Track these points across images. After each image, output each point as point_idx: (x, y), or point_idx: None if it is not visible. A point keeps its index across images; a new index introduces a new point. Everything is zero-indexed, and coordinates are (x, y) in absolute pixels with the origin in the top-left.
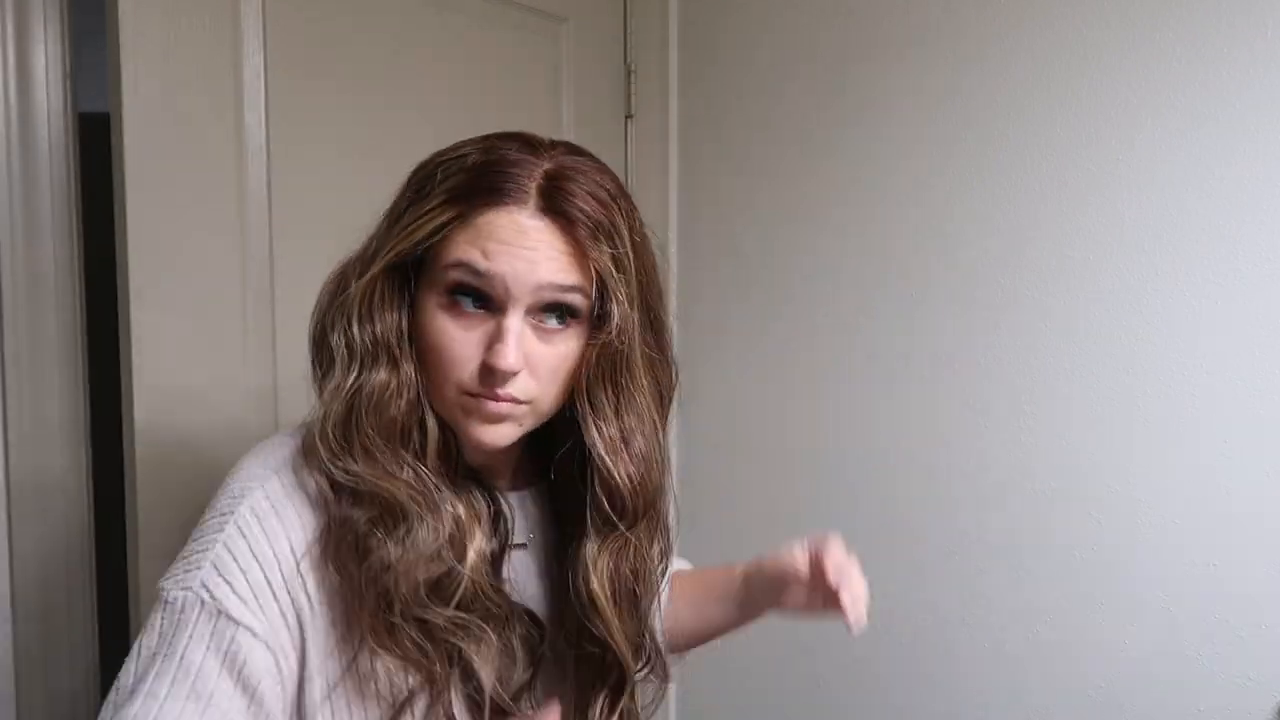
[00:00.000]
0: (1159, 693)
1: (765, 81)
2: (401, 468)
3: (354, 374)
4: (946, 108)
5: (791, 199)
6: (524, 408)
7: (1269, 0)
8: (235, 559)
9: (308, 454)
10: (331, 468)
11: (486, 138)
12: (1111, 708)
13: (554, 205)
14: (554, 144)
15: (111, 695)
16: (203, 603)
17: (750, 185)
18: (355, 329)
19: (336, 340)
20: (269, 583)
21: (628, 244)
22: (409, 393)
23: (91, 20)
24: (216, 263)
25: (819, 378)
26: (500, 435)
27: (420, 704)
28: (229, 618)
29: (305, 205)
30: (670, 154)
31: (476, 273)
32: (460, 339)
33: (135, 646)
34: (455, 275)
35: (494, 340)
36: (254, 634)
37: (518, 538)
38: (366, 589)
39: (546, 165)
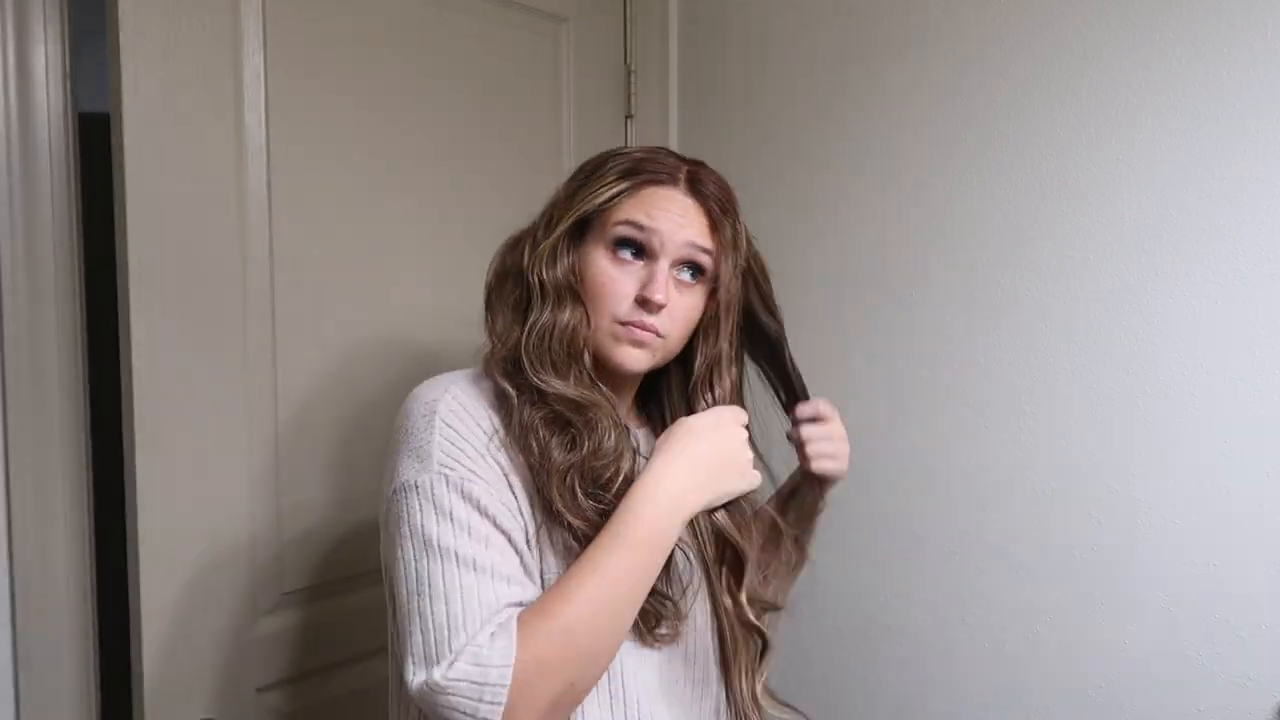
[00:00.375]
0: (1159, 693)
1: (765, 82)
2: (585, 384)
3: (547, 309)
4: (946, 108)
5: (791, 199)
6: (659, 340)
7: (1269, 0)
8: (453, 444)
9: (485, 371)
10: (536, 380)
11: (641, 147)
12: (1111, 708)
13: (697, 189)
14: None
15: (404, 572)
16: (447, 479)
17: (750, 185)
18: (546, 272)
19: (532, 281)
20: (482, 456)
21: (741, 231)
22: (585, 327)
23: (91, 20)
24: (216, 263)
25: (819, 378)
26: (639, 359)
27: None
28: (470, 482)
29: (305, 205)
30: None
31: (640, 228)
32: (621, 279)
33: (402, 534)
34: (623, 231)
35: (648, 281)
36: (490, 491)
37: (643, 450)
38: (551, 473)
39: (689, 165)
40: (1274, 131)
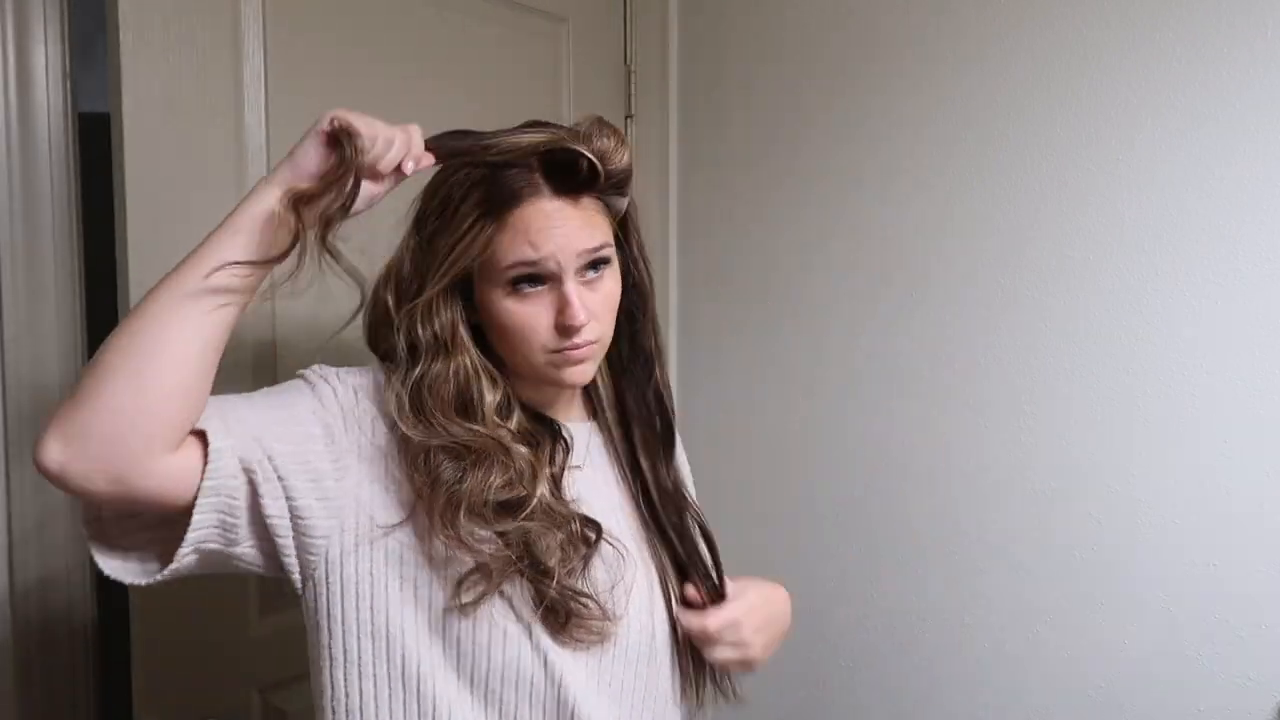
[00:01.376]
0: (1159, 693)
1: (765, 82)
2: (467, 427)
3: (418, 366)
4: (946, 108)
5: (792, 199)
6: (595, 346)
7: (1269, 0)
8: (341, 379)
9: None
10: (413, 432)
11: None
12: (1111, 708)
13: (562, 184)
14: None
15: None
16: (309, 381)
17: (750, 185)
18: (422, 330)
19: (405, 341)
20: (353, 416)
21: (620, 183)
22: (461, 374)
23: (91, 20)
24: None
25: (819, 378)
26: (585, 373)
27: (477, 585)
28: (325, 392)
29: None
30: (670, 154)
31: (532, 263)
32: (533, 313)
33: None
34: (516, 273)
35: (561, 305)
36: (334, 421)
37: (576, 460)
38: (437, 498)
39: (540, 155)
40: (1274, 131)
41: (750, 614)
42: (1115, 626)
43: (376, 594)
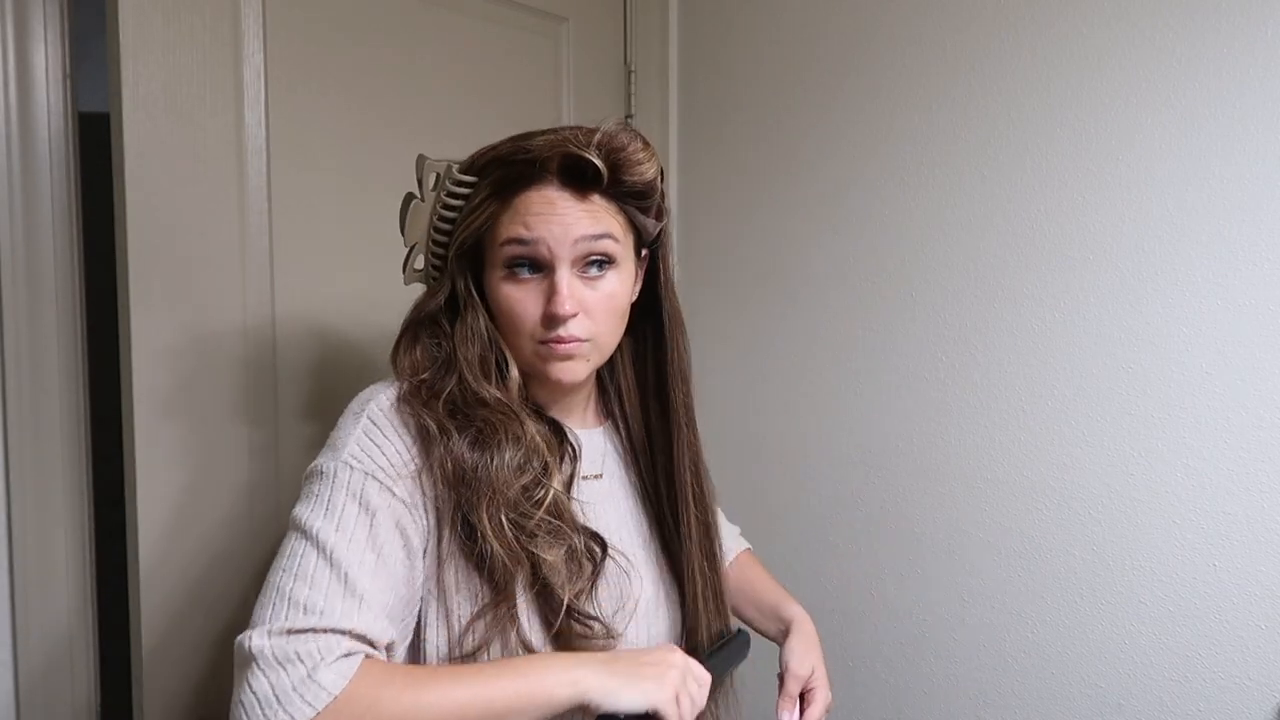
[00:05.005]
0: (1159, 693)
1: (765, 82)
2: (488, 391)
3: (458, 324)
4: (946, 107)
5: (791, 198)
6: (587, 345)
7: (1269, 0)
8: (373, 440)
9: (409, 398)
10: (424, 409)
11: (512, 141)
12: (1111, 708)
13: (572, 174)
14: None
15: (282, 548)
16: (351, 468)
17: (750, 185)
18: (453, 288)
19: (436, 305)
20: (400, 460)
21: (650, 190)
22: (486, 334)
23: (91, 20)
24: (216, 262)
25: (819, 377)
26: (573, 371)
27: (486, 624)
28: (374, 478)
29: (305, 205)
30: (670, 154)
31: (523, 242)
32: (524, 299)
33: (294, 514)
34: (509, 251)
35: (550, 295)
36: (393, 494)
37: (589, 470)
38: (477, 496)
39: (562, 145)
40: (1274, 131)
41: (824, 678)
42: (1115, 626)
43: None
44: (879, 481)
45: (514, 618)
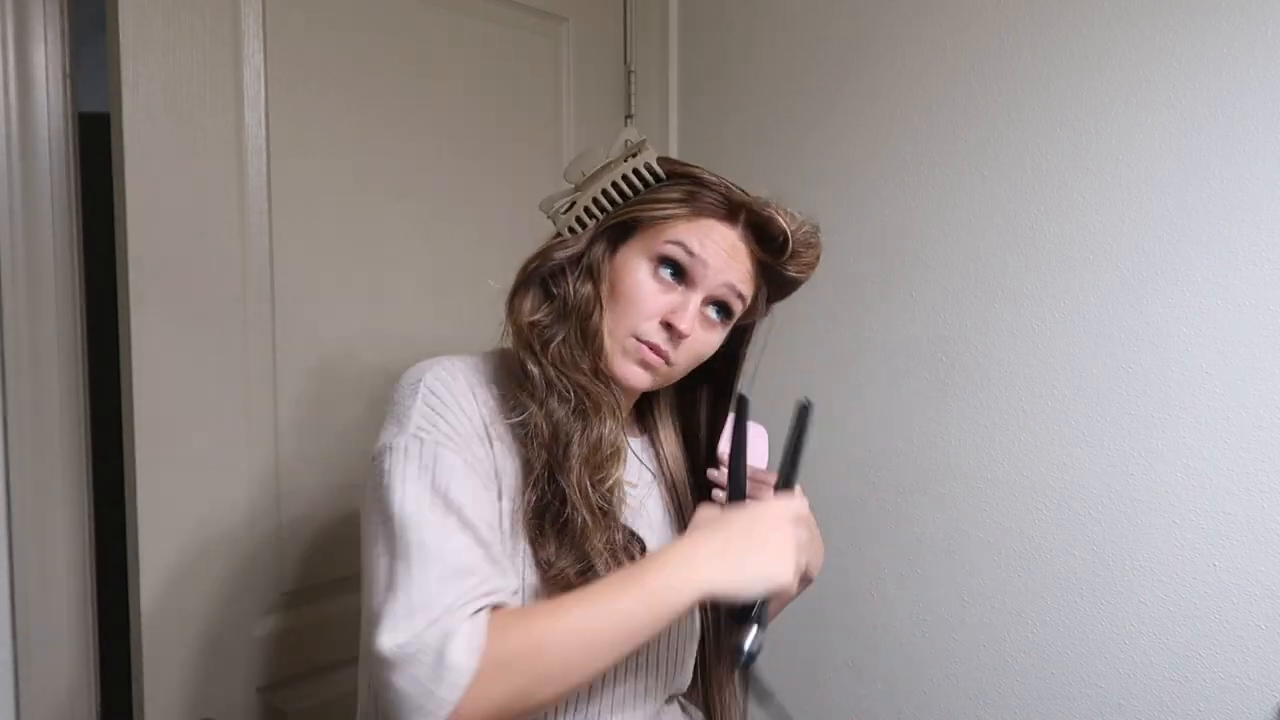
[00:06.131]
0: (1159, 693)
1: (765, 82)
2: (589, 361)
3: (577, 283)
4: (946, 108)
5: (790, 199)
6: (666, 367)
7: (1269, 0)
8: (434, 410)
9: (499, 351)
10: (531, 357)
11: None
12: (1111, 708)
13: (752, 231)
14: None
15: (373, 533)
16: (422, 441)
17: (750, 185)
18: (590, 250)
19: (565, 257)
20: (464, 428)
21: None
22: (599, 315)
23: (91, 20)
24: (216, 262)
25: (818, 377)
26: (641, 379)
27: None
28: (443, 449)
29: (305, 205)
30: (670, 154)
31: (690, 253)
32: (654, 296)
33: (377, 498)
34: (672, 251)
35: (679, 308)
36: (464, 461)
37: (630, 476)
38: (568, 459)
39: (752, 210)
40: (1274, 131)
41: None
42: (1115, 626)
43: None
44: (879, 481)
45: (569, 587)
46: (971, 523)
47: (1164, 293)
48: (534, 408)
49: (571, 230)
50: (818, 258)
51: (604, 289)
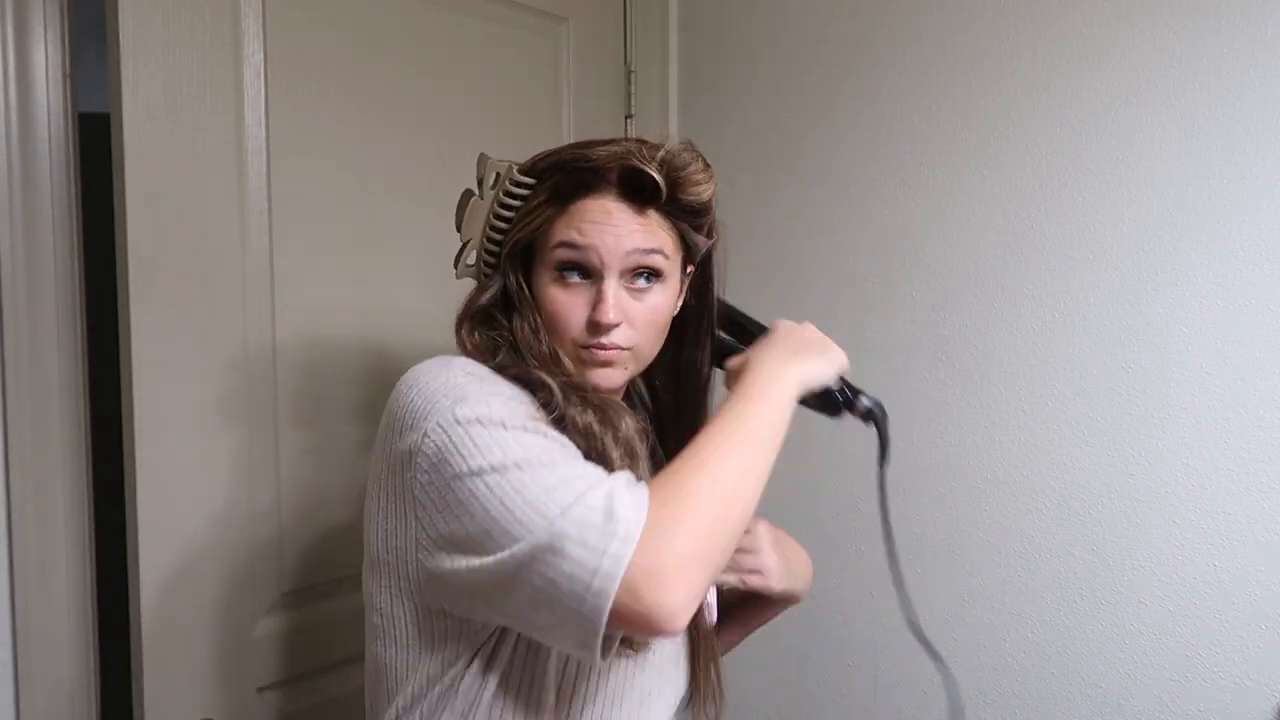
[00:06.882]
0: (1159, 693)
1: (765, 82)
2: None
3: (516, 318)
4: (946, 108)
5: (791, 199)
6: (627, 353)
7: (1269, 0)
8: (482, 379)
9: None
10: (540, 370)
11: (572, 148)
12: (1111, 708)
13: (631, 187)
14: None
15: (473, 494)
16: (489, 403)
17: (750, 185)
18: (508, 281)
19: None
20: (507, 387)
21: (703, 208)
22: (541, 332)
23: (91, 20)
24: (216, 262)
25: None
26: (613, 377)
27: None
28: (514, 402)
29: (305, 205)
30: None
31: (575, 247)
32: (570, 303)
33: (456, 473)
34: (560, 255)
35: (597, 303)
36: (524, 409)
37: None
38: (607, 445)
39: (625, 157)
40: (1274, 131)
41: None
42: (1115, 626)
43: None
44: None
45: None
46: (971, 523)
47: (1164, 293)
48: (567, 409)
49: (485, 275)
50: (703, 169)
51: (533, 316)
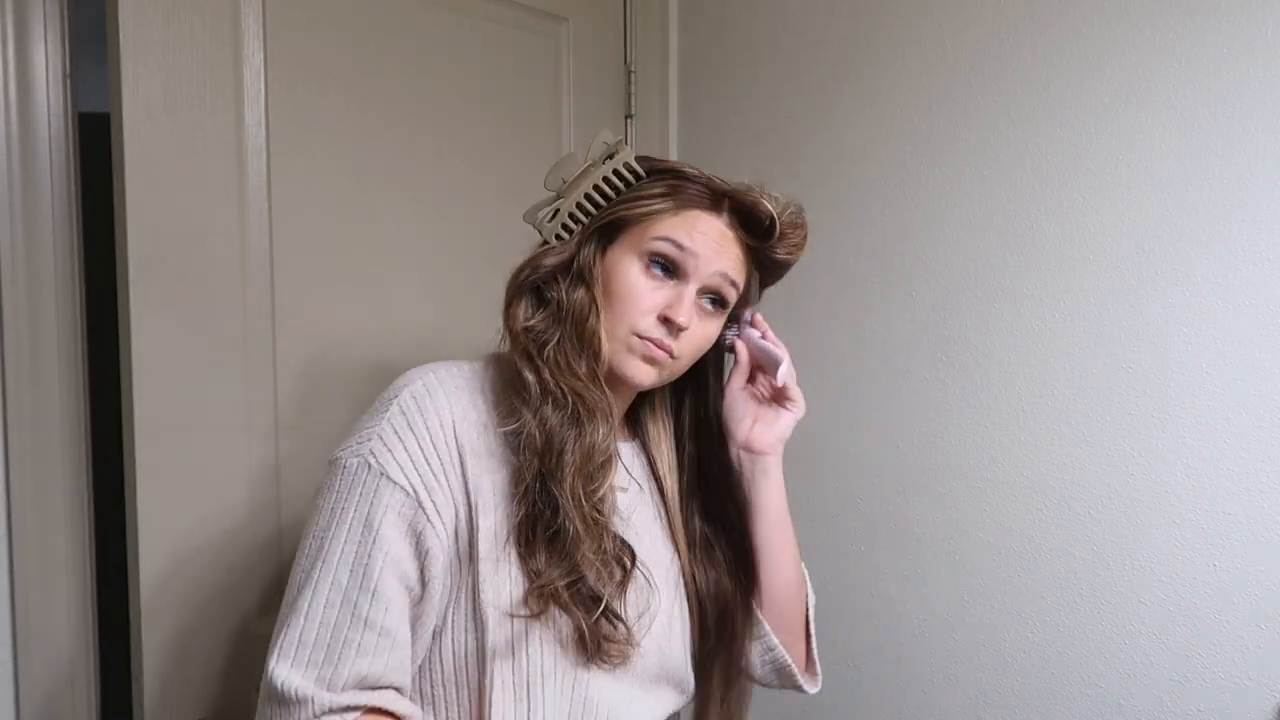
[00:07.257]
0: (1159, 693)
1: (765, 82)
2: (591, 376)
3: (567, 288)
4: (946, 108)
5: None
6: (672, 361)
7: (1269, 0)
8: (396, 432)
9: (494, 360)
10: (554, 359)
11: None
12: (1111, 708)
13: (738, 219)
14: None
15: (303, 546)
16: (369, 466)
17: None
18: (580, 252)
19: (553, 263)
20: (427, 452)
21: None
22: (595, 317)
23: (91, 20)
24: (216, 262)
25: (818, 377)
26: (649, 375)
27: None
28: (390, 480)
29: (305, 205)
30: (670, 154)
31: (680, 247)
32: (648, 293)
33: (316, 507)
34: (661, 247)
35: (675, 302)
36: (408, 494)
37: (619, 482)
38: (561, 468)
39: (735, 196)
40: (1274, 131)
41: None
42: (1115, 626)
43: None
44: (879, 481)
45: (558, 597)
46: (971, 523)
47: (1164, 293)
48: (528, 415)
49: (559, 237)
50: (805, 238)
51: (597, 291)
